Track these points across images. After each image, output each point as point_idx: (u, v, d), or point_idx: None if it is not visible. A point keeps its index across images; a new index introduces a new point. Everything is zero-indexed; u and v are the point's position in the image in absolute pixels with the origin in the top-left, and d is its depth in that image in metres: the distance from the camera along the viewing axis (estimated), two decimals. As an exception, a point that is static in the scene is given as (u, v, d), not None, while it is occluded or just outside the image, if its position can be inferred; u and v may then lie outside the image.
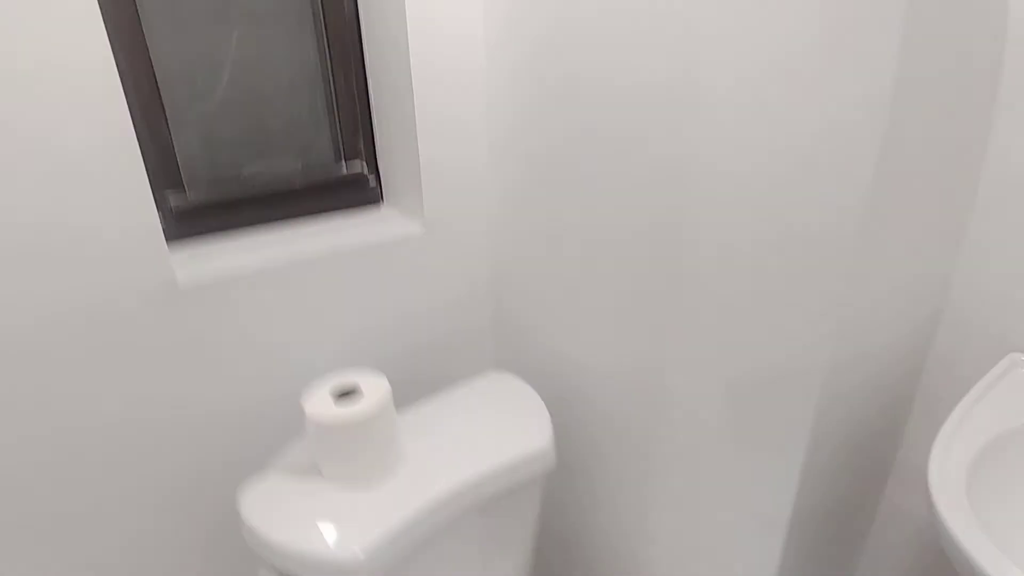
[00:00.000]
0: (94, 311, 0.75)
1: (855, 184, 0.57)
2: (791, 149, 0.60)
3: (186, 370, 0.83)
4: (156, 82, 0.82)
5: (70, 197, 0.69)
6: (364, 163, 1.01)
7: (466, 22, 0.89)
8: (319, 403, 0.75)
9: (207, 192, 0.90)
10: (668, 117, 0.70)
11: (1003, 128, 0.71)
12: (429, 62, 0.88)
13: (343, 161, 1.00)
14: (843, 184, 0.57)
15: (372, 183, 1.03)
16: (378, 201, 1.04)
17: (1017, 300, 0.76)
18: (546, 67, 0.84)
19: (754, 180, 0.64)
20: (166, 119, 0.84)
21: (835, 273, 0.61)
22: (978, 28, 0.64)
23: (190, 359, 0.83)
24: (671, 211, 0.74)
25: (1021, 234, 0.73)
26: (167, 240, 0.79)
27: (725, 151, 0.66)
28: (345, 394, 0.77)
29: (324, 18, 0.92)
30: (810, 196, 0.60)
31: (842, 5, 0.53)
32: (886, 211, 0.60)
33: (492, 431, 0.87)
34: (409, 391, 0.97)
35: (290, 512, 0.73)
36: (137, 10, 0.78)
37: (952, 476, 0.62)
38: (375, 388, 0.78)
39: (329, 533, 0.70)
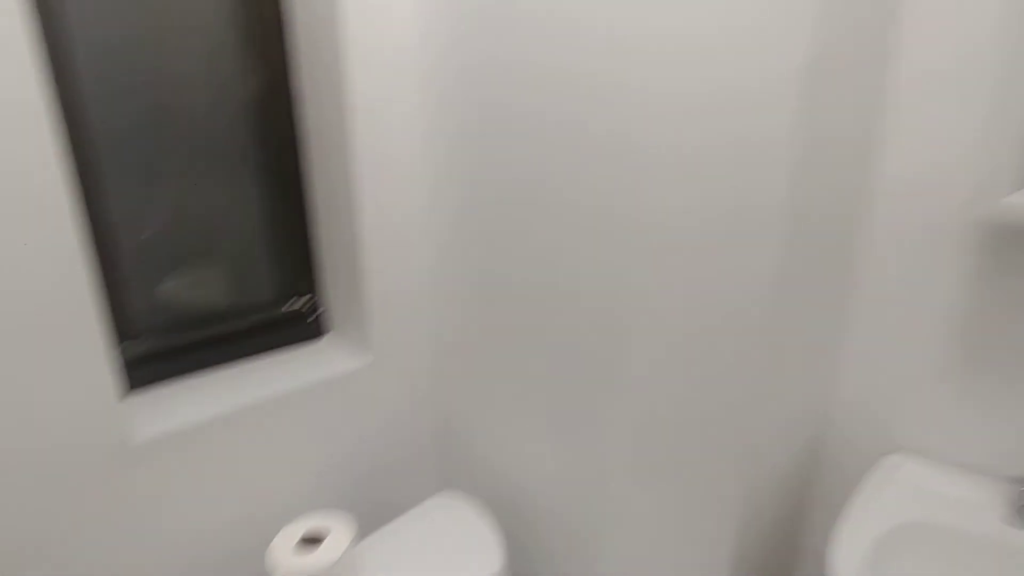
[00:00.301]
0: (45, 471, 0.74)
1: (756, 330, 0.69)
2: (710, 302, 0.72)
3: (140, 526, 0.83)
4: (108, 236, 0.84)
5: (24, 356, 0.70)
6: (311, 299, 1.05)
7: (408, 164, 0.98)
8: (281, 555, 0.77)
9: (157, 341, 0.91)
10: (598, 257, 0.81)
11: (863, 269, 0.87)
12: (376, 205, 0.95)
13: (291, 299, 1.04)
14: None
15: (318, 318, 1.07)
16: (322, 335, 1.08)
17: (892, 407, 0.90)
18: (485, 212, 0.93)
19: (679, 324, 0.75)
20: (116, 272, 0.86)
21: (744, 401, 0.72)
22: (843, 179, 0.79)
23: (144, 514, 0.83)
24: (604, 332, 0.84)
25: (892, 351, 0.89)
26: (121, 393, 0.80)
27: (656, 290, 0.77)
28: (309, 540, 0.80)
29: (273, 166, 0.98)
30: (716, 320, 0.72)
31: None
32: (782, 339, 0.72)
33: (443, 566, 0.91)
34: (365, 520, 0.99)
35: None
36: (90, 163, 0.81)
37: (855, 565, 0.73)
38: (338, 536, 0.80)
39: None
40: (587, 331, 0.86)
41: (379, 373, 1.03)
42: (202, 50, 0.89)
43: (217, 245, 0.97)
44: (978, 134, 0.74)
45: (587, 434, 0.91)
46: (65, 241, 0.69)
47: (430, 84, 0.95)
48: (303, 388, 0.94)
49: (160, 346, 0.92)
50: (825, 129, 0.68)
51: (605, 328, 0.83)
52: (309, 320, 1.06)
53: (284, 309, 1.03)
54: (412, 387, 1.09)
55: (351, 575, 0.81)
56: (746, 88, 0.64)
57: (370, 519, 1.06)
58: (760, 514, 0.85)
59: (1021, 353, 0.79)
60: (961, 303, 0.82)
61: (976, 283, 0.80)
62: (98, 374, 0.75)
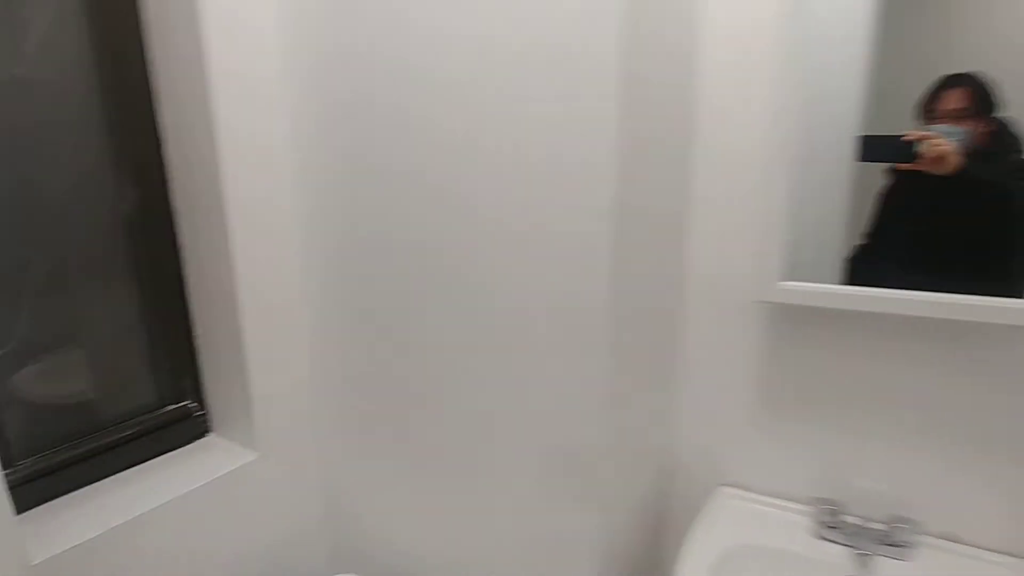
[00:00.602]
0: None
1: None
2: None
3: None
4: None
5: None
6: (195, 400, 1.09)
7: (285, 269, 1.06)
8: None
9: (41, 460, 0.91)
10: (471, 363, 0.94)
11: (687, 341, 1.07)
12: (256, 301, 1.01)
13: (174, 401, 1.07)
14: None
15: (203, 418, 1.10)
16: (207, 434, 1.12)
17: (720, 447, 1.10)
18: (364, 300, 1.05)
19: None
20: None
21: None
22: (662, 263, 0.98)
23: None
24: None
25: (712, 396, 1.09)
26: (11, 514, 0.81)
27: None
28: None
29: (148, 271, 1.01)
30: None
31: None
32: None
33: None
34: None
35: None
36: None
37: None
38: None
39: None
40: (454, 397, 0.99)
41: (265, 466, 1.07)
42: (71, 163, 0.92)
43: (93, 352, 0.98)
44: (756, 237, 0.96)
45: (469, 493, 1.03)
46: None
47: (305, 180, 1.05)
48: (192, 490, 0.97)
49: (45, 464, 0.91)
50: (642, 232, 0.87)
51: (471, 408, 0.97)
52: (193, 421, 1.08)
53: (167, 411, 1.05)
54: (299, 475, 1.14)
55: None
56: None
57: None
58: (622, 542, 1.01)
59: (808, 403, 1.02)
60: (760, 365, 1.04)
61: (768, 350, 1.03)
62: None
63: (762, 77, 0.92)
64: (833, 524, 1.00)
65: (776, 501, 1.07)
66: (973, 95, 0.80)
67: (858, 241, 0.91)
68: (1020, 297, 0.80)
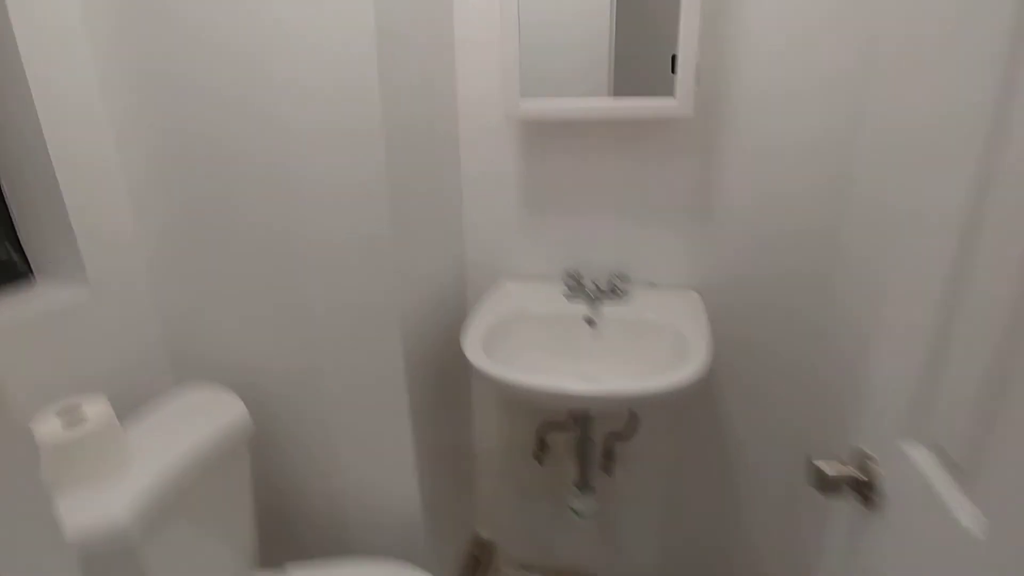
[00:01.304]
0: None
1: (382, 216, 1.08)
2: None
3: None
4: None
5: None
6: (16, 251, 1.14)
7: (93, 126, 1.13)
8: (47, 428, 0.94)
9: None
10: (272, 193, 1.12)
11: (465, 160, 1.33)
12: (68, 151, 1.09)
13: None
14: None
15: (19, 262, 1.16)
16: (28, 277, 1.17)
17: (502, 245, 1.40)
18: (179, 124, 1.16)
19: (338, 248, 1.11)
20: None
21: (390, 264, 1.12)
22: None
23: None
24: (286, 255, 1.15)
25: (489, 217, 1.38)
26: None
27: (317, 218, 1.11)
28: (70, 417, 0.97)
29: None
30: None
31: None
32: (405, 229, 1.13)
33: (198, 419, 1.15)
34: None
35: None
36: None
37: (476, 344, 1.18)
38: (97, 408, 0.99)
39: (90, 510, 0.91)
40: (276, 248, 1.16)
41: (98, 303, 1.16)
42: None
43: None
44: (502, 66, 1.22)
45: (296, 316, 1.22)
46: None
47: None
48: (22, 326, 1.05)
49: None
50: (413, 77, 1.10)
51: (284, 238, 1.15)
52: (19, 265, 1.14)
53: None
54: (132, 306, 1.24)
55: (117, 441, 1.01)
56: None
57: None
58: (420, 313, 1.28)
59: (554, 201, 1.34)
60: (519, 174, 1.34)
61: (523, 160, 1.32)
62: None
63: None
64: (575, 288, 1.35)
65: (539, 283, 1.41)
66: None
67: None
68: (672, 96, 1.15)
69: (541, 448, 1.54)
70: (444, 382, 1.43)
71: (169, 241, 1.25)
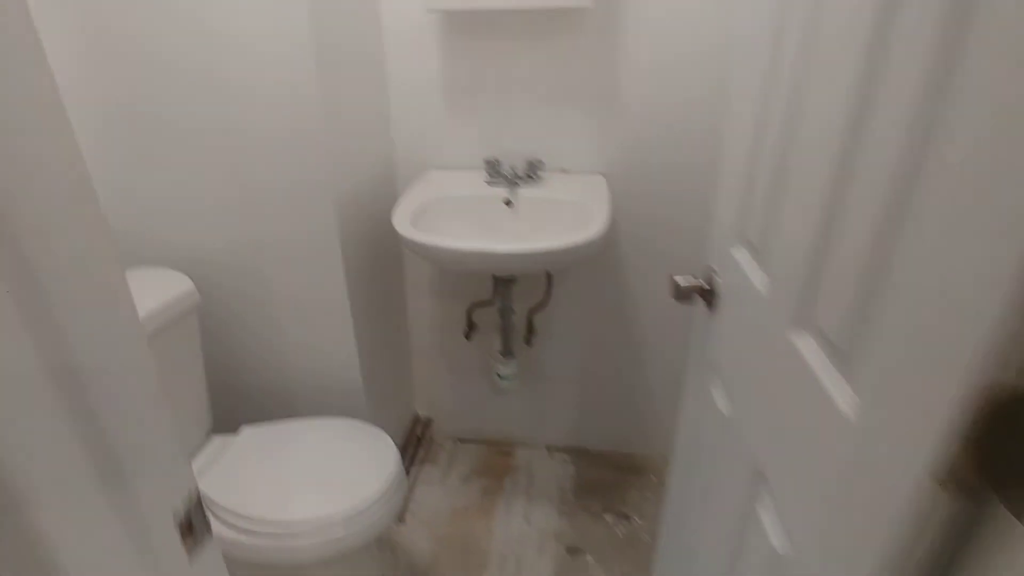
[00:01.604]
0: None
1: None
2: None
3: None
4: None
5: None
6: None
7: None
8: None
9: None
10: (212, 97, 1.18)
11: (389, 62, 1.42)
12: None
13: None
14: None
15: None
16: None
17: (427, 138, 1.52)
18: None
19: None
20: None
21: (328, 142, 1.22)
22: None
23: None
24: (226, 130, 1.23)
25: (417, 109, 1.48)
26: None
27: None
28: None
29: None
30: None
31: None
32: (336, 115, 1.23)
33: (147, 295, 1.24)
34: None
35: None
36: None
37: (405, 221, 1.31)
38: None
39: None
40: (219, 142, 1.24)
41: None
42: None
43: None
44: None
45: (239, 197, 1.31)
46: None
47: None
48: None
49: None
50: None
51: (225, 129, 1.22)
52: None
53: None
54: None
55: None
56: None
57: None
58: (355, 194, 1.39)
59: (473, 92, 1.45)
60: (441, 66, 1.44)
61: (445, 51, 1.42)
62: None
63: None
64: (495, 174, 1.49)
65: (462, 171, 1.53)
66: None
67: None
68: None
69: (470, 327, 1.71)
70: (378, 264, 1.56)
71: (109, 134, 1.30)
